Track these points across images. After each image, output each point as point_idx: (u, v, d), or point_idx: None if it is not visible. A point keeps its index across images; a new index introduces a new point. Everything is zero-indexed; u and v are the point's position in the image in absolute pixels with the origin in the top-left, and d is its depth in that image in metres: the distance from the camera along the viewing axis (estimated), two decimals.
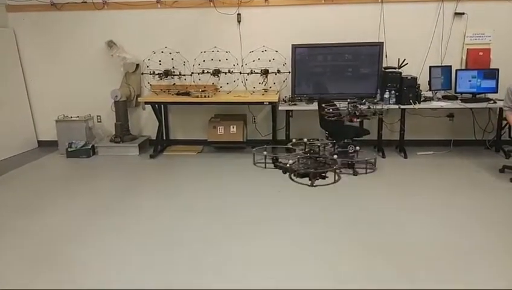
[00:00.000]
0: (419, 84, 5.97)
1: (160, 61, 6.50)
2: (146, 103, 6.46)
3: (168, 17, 6.57)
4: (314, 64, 6.27)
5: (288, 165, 2.23)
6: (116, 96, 6.48)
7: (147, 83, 6.72)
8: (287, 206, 4.38)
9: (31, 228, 4.02)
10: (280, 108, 6.09)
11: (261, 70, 6.31)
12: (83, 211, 4.41)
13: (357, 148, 2.15)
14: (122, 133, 6.65)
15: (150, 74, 6.48)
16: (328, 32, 6.32)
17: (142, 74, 6.70)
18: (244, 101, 6.19)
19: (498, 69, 6.05)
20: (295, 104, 6.09)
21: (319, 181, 2.09)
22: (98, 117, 7.08)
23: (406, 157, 6.07)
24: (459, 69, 6.19)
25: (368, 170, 1.99)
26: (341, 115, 5.29)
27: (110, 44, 6.64)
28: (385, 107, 5.77)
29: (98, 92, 6.86)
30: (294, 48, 6.20)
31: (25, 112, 7.05)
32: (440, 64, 6.28)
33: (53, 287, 3.02)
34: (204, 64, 6.48)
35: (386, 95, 5.88)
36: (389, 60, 6.26)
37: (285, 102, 6.17)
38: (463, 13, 6.17)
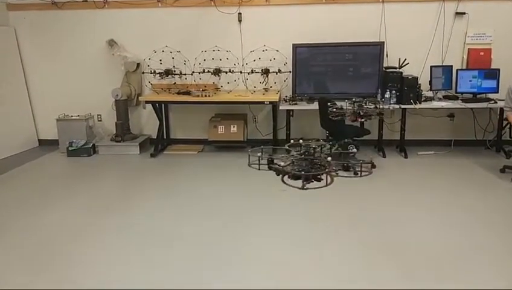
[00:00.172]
0: (420, 84, 5.96)
1: (161, 60, 6.50)
2: (147, 102, 6.47)
3: (168, 16, 6.57)
4: (314, 64, 6.26)
5: (280, 167, 2.22)
6: (117, 95, 6.48)
7: (148, 82, 6.72)
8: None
9: (31, 227, 4.03)
10: (281, 108, 6.09)
11: (262, 69, 6.30)
12: (83, 210, 4.42)
13: (354, 150, 2.14)
14: (123, 132, 6.65)
15: (151, 73, 6.48)
16: (329, 31, 6.31)
17: (143, 73, 6.70)
18: (245, 101, 6.19)
19: (499, 69, 6.04)
20: (296, 104, 6.09)
21: (312, 184, 2.08)
22: (99, 116, 7.09)
23: (406, 157, 6.06)
24: (460, 69, 6.19)
25: (364, 173, 1.97)
26: (345, 115, 5.26)
27: (111, 43, 6.64)
28: (390, 107, 5.75)
29: (98, 91, 6.87)
30: (295, 47, 6.19)
31: (26, 110, 7.06)
32: (441, 64, 6.27)
33: (53, 287, 3.02)
34: (205, 63, 6.48)
35: (387, 95, 5.87)
36: (390, 60, 6.26)
37: (286, 101, 6.16)
38: (464, 13, 6.16)
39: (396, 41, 6.26)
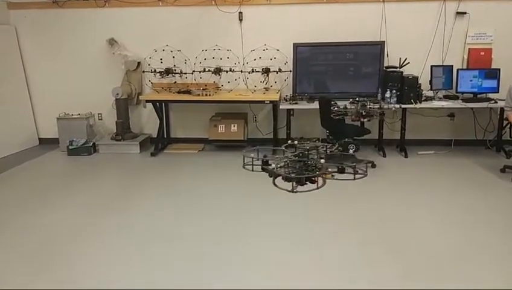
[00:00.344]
0: (420, 84, 5.95)
1: (161, 59, 6.49)
2: (147, 101, 6.48)
3: (169, 15, 6.56)
4: (315, 63, 6.26)
5: (272, 168, 2.20)
6: (118, 94, 6.48)
7: (148, 81, 6.72)
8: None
9: (31, 227, 4.03)
10: (281, 107, 6.09)
11: (262, 69, 6.29)
12: (83, 209, 4.42)
13: (351, 151, 2.13)
14: (123, 131, 6.65)
15: (151, 72, 6.47)
16: (329, 31, 6.31)
17: (144, 72, 6.70)
18: (245, 100, 6.19)
19: (499, 69, 6.04)
20: (296, 103, 6.08)
21: (303, 187, 2.08)
22: (99, 115, 7.09)
23: (406, 156, 6.07)
24: (461, 69, 6.19)
25: (359, 175, 1.97)
26: (347, 114, 5.24)
27: (112, 42, 6.64)
28: (393, 108, 5.73)
29: (99, 90, 6.86)
30: (296, 46, 6.19)
31: (26, 109, 7.06)
32: (441, 64, 6.26)
33: (53, 287, 3.03)
34: (206, 62, 6.47)
35: (387, 95, 5.87)
36: (391, 60, 6.25)
37: (286, 101, 6.16)
38: (465, 12, 6.15)
39: (396, 40, 6.26)
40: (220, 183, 5.13)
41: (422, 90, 5.98)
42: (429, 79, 6.07)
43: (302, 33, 6.33)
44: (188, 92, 6.31)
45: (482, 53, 6.24)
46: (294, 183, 2.20)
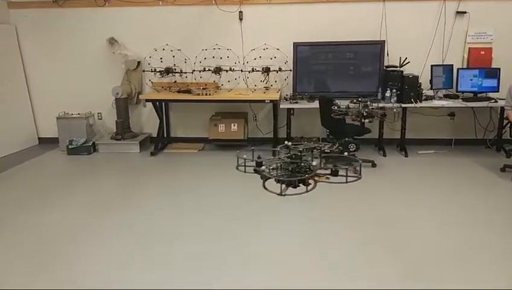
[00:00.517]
0: (420, 83, 5.94)
1: (161, 58, 6.49)
2: (147, 100, 6.47)
3: (169, 14, 6.56)
4: (315, 63, 6.26)
5: (262, 170, 2.18)
6: (117, 93, 6.48)
7: (148, 80, 6.71)
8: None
9: (31, 226, 4.03)
10: (281, 106, 6.09)
11: (263, 68, 6.29)
12: (83, 209, 4.42)
13: (345, 153, 2.11)
14: (123, 131, 6.64)
15: (151, 71, 6.47)
16: (329, 30, 6.30)
17: (144, 71, 6.69)
18: (246, 99, 6.19)
19: (499, 68, 6.04)
20: (296, 102, 6.08)
21: (292, 190, 2.07)
22: (99, 114, 7.08)
23: (406, 156, 6.07)
24: (461, 68, 6.18)
25: (352, 179, 1.94)
26: (349, 114, 5.21)
27: (112, 41, 6.63)
28: (394, 109, 5.71)
29: (99, 89, 6.86)
30: (296, 46, 6.18)
31: (26, 108, 7.05)
32: (441, 63, 6.26)
33: (53, 287, 3.03)
34: (206, 62, 6.47)
35: (387, 94, 5.87)
36: (391, 59, 6.24)
37: (287, 100, 6.16)
38: (465, 12, 6.15)
39: (397, 40, 6.25)
40: (220, 183, 5.12)
41: (422, 89, 5.97)
42: (429, 78, 6.06)
43: (302, 32, 6.32)
44: (188, 92, 6.31)
45: (482, 52, 6.23)
46: (284, 186, 2.18)
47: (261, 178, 2.24)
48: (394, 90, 5.87)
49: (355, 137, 5.54)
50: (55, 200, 4.68)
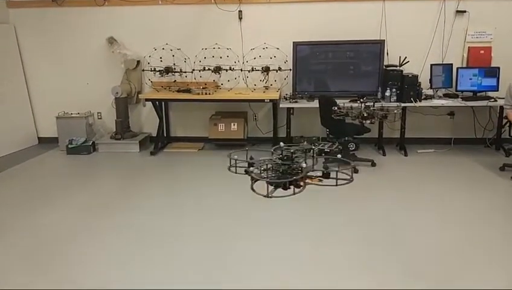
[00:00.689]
0: (420, 82, 5.95)
1: (161, 58, 6.49)
2: (147, 99, 6.47)
3: (169, 13, 6.55)
4: (315, 62, 6.26)
5: (251, 171, 2.16)
6: (117, 93, 6.47)
7: (148, 79, 6.71)
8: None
9: (31, 226, 4.03)
10: (281, 105, 6.09)
11: (262, 67, 6.29)
12: (83, 209, 4.42)
13: (339, 155, 2.08)
14: (123, 130, 6.64)
15: (151, 70, 6.47)
16: (329, 29, 6.29)
17: (143, 70, 6.68)
18: (245, 99, 6.18)
19: (499, 68, 6.04)
20: (296, 102, 6.08)
21: (280, 192, 2.05)
22: (99, 114, 7.08)
23: (406, 155, 6.07)
24: (460, 67, 6.18)
25: (343, 181, 1.91)
26: (348, 115, 5.18)
27: (111, 40, 6.63)
28: (395, 110, 5.68)
29: (98, 89, 6.85)
30: (296, 45, 6.18)
31: (26, 108, 7.05)
32: (441, 62, 6.26)
33: (53, 287, 3.03)
34: (205, 61, 6.47)
35: (387, 93, 5.87)
36: (390, 58, 6.24)
37: (286, 99, 6.16)
38: (464, 11, 6.14)
39: (396, 39, 6.25)
40: (219, 183, 5.12)
41: (422, 88, 5.98)
42: (429, 77, 6.06)
43: (302, 32, 6.32)
44: (188, 91, 6.31)
45: (482, 51, 6.23)
46: (272, 188, 2.16)
47: (251, 179, 2.22)
48: (394, 90, 5.88)
49: (355, 136, 5.54)
50: (55, 200, 4.68)
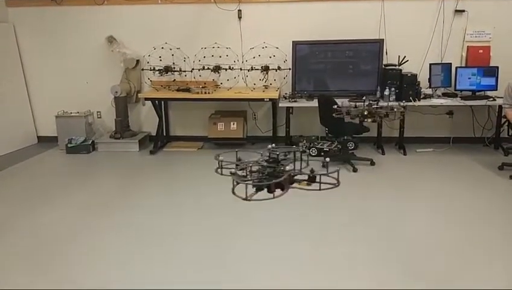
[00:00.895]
0: (419, 82, 5.96)
1: (160, 57, 6.48)
2: (146, 99, 6.46)
3: (168, 12, 6.55)
4: (314, 61, 6.27)
5: (234, 173, 2.16)
6: (116, 92, 6.47)
7: (147, 78, 6.71)
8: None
9: (31, 226, 4.03)
10: (280, 105, 6.10)
11: (262, 66, 6.30)
12: (82, 208, 4.42)
13: (327, 159, 2.04)
14: (122, 129, 6.64)
15: (150, 69, 6.47)
16: (328, 29, 6.30)
17: (142, 69, 6.68)
18: (245, 98, 6.18)
19: (498, 67, 6.05)
20: (295, 101, 6.09)
21: (259, 195, 2.05)
22: (98, 113, 7.08)
23: (405, 154, 6.08)
24: (459, 67, 6.19)
25: (327, 186, 1.88)
26: (349, 113, 5.17)
27: (110, 39, 6.62)
28: (395, 109, 5.68)
29: (98, 88, 6.85)
30: (295, 44, 6.19)
31: (25, 107, 7.05)
32: (440, 62, 6.27)
33: (53, 287, 3.03)
34: (205, 60, 6.47)
35: (386, 92, 5.88)
36: (390, 57, 6.25)
37: (286, 99, 6.16)
38: (463, 10, 6.15)
39: (395, 38, 6.25)
40: (219, 182, 5.11)
41: (421, 88, 5.99)
42: (428, 77, 6.07)
43: (301, 31, 6.32)
44: (187, 90, 6.31)
45: (481, 51, 6.24)
46: (254, 190, 2.16)
47: (232, 182, 2.22)
48: (393, 89, 5.89)
49: (354, 135, 5.55)
50: (55, 199, 4.69)
